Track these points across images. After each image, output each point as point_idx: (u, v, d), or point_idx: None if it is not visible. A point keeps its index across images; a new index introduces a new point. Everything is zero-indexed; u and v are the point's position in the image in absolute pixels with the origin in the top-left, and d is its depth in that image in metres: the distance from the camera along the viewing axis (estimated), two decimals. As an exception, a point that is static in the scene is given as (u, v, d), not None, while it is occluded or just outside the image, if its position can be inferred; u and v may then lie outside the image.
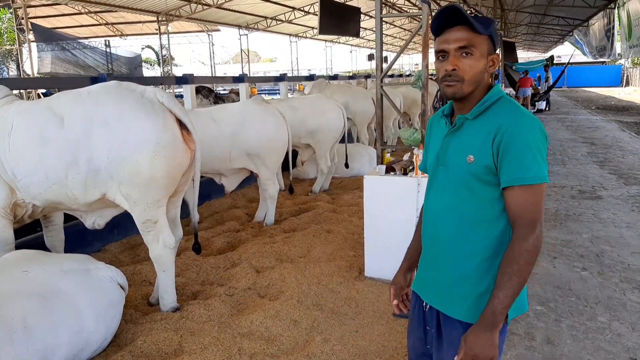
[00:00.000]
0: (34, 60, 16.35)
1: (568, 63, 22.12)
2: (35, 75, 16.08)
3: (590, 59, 30.48)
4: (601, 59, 27.18)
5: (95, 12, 20.68)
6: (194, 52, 57.52)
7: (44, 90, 14.71)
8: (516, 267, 1.36)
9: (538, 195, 1.39)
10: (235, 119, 4.88)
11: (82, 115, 2.91)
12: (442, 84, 1.47)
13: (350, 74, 17.82)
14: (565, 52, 37.05)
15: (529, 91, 17.08)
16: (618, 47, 19.28)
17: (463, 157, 1.46)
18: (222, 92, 17.76)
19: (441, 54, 1.46)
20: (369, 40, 31.45)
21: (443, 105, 1.63)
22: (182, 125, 3.11)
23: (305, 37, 28.36)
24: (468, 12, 1.46)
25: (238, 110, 4.99)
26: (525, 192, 1.38)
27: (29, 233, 4.03)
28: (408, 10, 17.11)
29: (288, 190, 5.92)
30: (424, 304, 1.62)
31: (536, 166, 1.36)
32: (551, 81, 18.66)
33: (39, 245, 3.66)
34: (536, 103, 17.94)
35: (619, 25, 17.21)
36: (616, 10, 16.96)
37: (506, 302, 1.37)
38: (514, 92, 18.42)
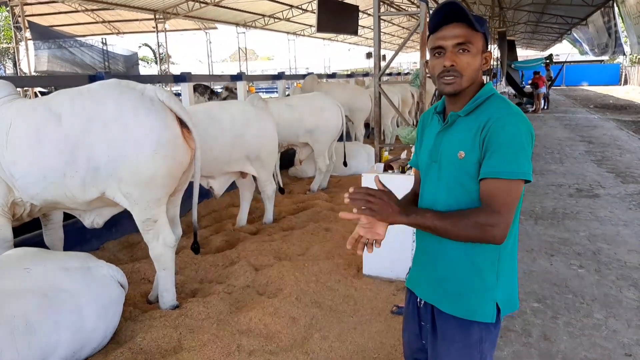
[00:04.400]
0: (31, 58, 16.28)
1: (566, 61, 22.19)
2: (32, 73, 16.02)
3: (591, 57, 30.40)
4: (603, 57, 27.16)
5: (92, 10, 20.56)
6: (191, 50, 57.44)
7: (42, 89, 14.68)
8: (459, 221, 1.34)
9: (513, 192, 1.36)
10: (238, 120, 4.66)
11: (82, 113, 2.90)
12: (440, 80, 1.46)
13: (349, 72, 17.82)
14: (563, 50, 37.07)
15: (544, 89, 18.20)
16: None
17: (454, 153, 1.46)
18: (218, 89, 17.72)
19: (437, 51, 1.46)
20: (367, 38, 31.35)
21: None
22: (182, 123, 3.11)
23: (303, 35, 28.27)
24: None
25: (240, 112, 4.76)
26: (499, 185, 1.35)
27: (28, 231, 4.03)
28: (406, 9, 17.11)
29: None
30: (419, 300, 1.63)
31: (517, 162, 1.35)
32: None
33: (38, 243, 3.66)
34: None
35: (622, 22, 17.25)
36: (616, 8, 16.95)
37: (425, 224, 1.36)
38: (512, 91, 18.66)
